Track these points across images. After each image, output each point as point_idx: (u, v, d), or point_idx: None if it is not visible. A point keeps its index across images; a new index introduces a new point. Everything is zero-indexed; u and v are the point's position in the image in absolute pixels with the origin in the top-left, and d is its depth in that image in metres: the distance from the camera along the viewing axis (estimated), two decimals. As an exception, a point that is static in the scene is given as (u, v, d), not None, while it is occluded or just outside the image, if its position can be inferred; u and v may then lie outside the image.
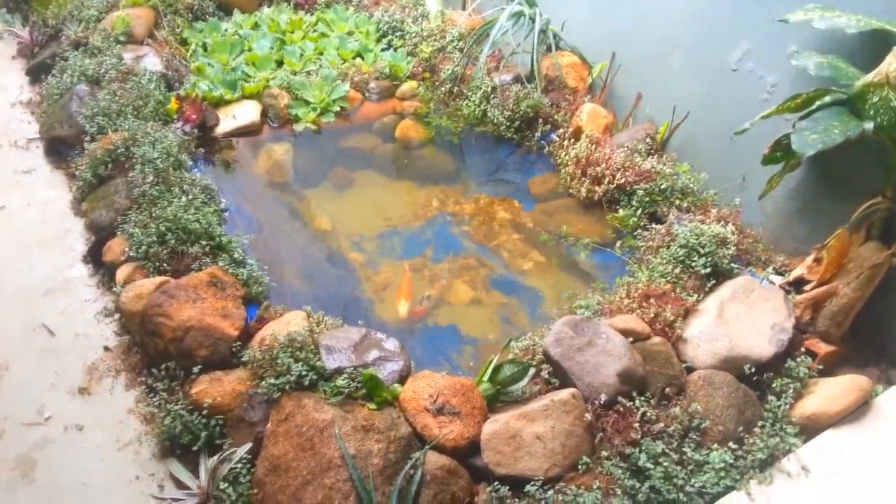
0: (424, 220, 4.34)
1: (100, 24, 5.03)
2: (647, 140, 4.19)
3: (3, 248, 3.61)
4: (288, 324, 2.94)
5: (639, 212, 3.95)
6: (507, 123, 4.52)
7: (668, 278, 3.39)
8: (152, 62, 4.73)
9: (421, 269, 3.98)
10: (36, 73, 4.88)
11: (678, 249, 3.46)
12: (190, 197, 3.51)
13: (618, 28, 4.39)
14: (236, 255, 3.34)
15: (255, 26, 5.53)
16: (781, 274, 3.52)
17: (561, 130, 4.40)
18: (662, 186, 3.87)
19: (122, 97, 4.17)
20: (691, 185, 3.88)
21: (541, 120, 4.49)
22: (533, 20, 4.38)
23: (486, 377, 2.84)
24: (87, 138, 4.01)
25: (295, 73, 5.01)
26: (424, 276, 3.94)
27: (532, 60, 4.54)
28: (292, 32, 5.45)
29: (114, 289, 3.23)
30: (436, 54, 5.04)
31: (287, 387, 2.66)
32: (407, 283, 3.65)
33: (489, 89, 4.65)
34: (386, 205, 4.45)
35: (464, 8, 5.44)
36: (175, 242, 3.28)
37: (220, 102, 4.61)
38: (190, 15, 5.44)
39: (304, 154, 4.61)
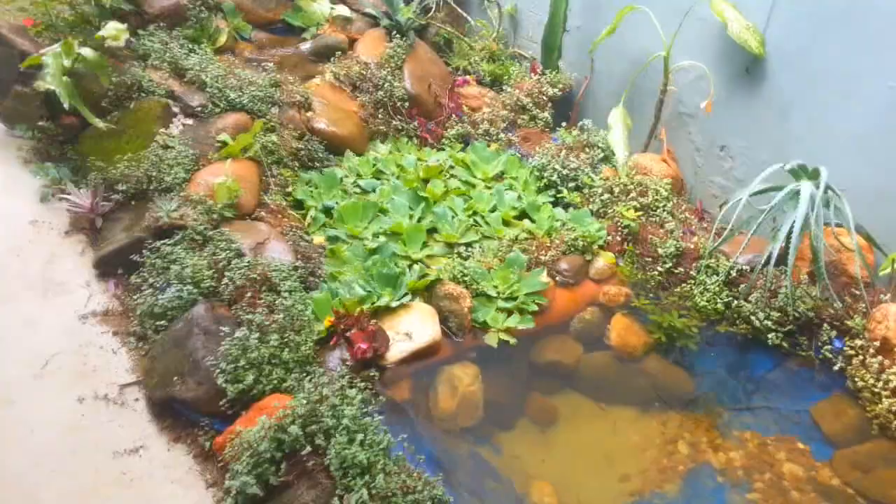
0: (679, 478, 3.12)
1: (188, 185, 3.73)
2: None
3: None
4: None
5: None
6: (774, 327, 3.34)
7: None
8: (279, 249, 3.47)
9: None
10: (109, 266, 3.54)
11: None
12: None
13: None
14: None
15: (377, 174, 4.29)
16: None
17: (859, 342, 3.22)
18: None
19: (268, 329, 2.88)
20: None
21: (822, 323, 3.31)
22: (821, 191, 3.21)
23: None
24: (228, 404, 2.69)
25: (452, 247, 3.79)
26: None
27: (789, 239, 3.36)
28: (425, 181, 4.22)
29: None
30: (640, 217, 3.85)
31: None
32: None
33: (733, 273, 3.48)
34: (612, 450, 3.24)
35: (646, 148, 4.28)
36: None
37: (380, 310, 3.34)
38: (296, 163, 4.18)
39: (492, 377, 3.37)
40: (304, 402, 2.55)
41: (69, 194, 3.85)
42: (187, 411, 2.83)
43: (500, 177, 4.34)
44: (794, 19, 3.44)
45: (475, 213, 4.04)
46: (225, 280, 3.10)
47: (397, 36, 4.81)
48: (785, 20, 3.46)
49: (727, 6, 3.55)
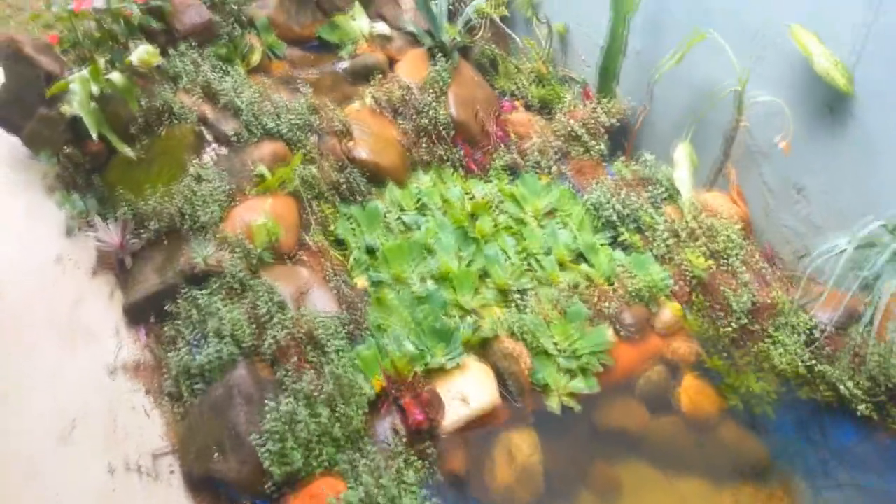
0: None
1: (223, 223, 3.48)
2: None
3: None
4: None
5: None
6: (863, 395, 3.04)
7: None
8: (322, 299, 3.21)
9: None
10: (140, 313, 3.29)
11: None
12: None
13: None
14: None
15: (421, 208, 4.02)
16: None
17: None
18: None
19: (316, 399, 2.62)
20: None
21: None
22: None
23: None
24: (273, 486, 2.44)
25: (504, 294, 3.52)
26: None
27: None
28: (475, 217, 3.94)
29: None
30: (710, 266, 3.56)
31: None
32: None
33: (816, 331, 3.19)
34: (683, 527, 2.96)
35: (710, 186, 3.98)
36: None
37: (433, 371, 3.07)
38: (336, 197, 3.92)
39: (551, 443, 3.10)
40: (361, 492, 2.29)
41: (96, 229, 3.61)
42: (227, 489, 2.57)
43: (551, 212, 4.06)
44: (889, 56, 3.13)
45: (528, 254, 3.76)
46: (267, 339, 2.84)
47: (440, 56, 4.53)
48: (878, 57, 3.15)
49: (811, 39, 3.24)
